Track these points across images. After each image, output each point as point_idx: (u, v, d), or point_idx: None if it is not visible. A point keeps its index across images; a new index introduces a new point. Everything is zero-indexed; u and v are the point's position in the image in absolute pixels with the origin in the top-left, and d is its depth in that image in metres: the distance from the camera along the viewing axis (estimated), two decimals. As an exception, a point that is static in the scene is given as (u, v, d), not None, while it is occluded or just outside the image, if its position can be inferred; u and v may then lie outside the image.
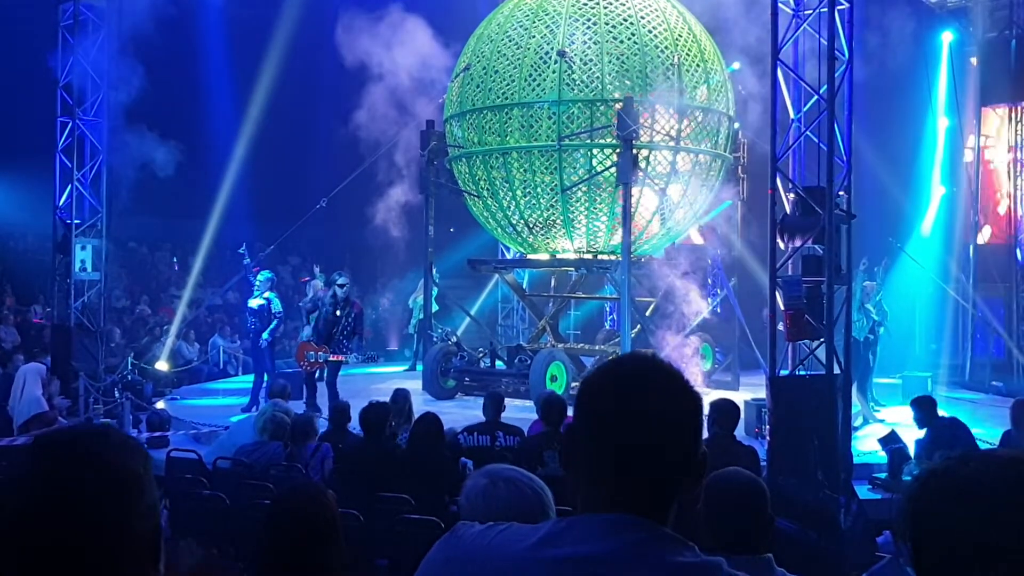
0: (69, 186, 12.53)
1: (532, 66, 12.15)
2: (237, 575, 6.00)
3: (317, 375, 11.66)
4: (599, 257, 12.82)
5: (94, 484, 1.25)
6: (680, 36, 12.32)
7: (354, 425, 7.69)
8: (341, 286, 11.37)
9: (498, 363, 13.03)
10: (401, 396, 8.20)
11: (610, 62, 12.04)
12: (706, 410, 6.15)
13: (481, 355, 13.35)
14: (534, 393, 10.01)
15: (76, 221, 12.52)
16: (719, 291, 14.24)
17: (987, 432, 9.70)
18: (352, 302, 11.57)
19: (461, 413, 9.98)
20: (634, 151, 11.64)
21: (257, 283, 12.21)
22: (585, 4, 12.25)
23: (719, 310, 14.01)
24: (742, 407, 7.42)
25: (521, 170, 12.48)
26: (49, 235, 12.91)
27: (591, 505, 1.46)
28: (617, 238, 12.24)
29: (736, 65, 13.59)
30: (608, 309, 17.18)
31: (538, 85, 12.11)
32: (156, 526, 1.30)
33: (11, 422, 10.79)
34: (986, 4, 15.89)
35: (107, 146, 12.69)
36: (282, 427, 7.21)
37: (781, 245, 8.44)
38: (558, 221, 12.58)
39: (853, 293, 9.04)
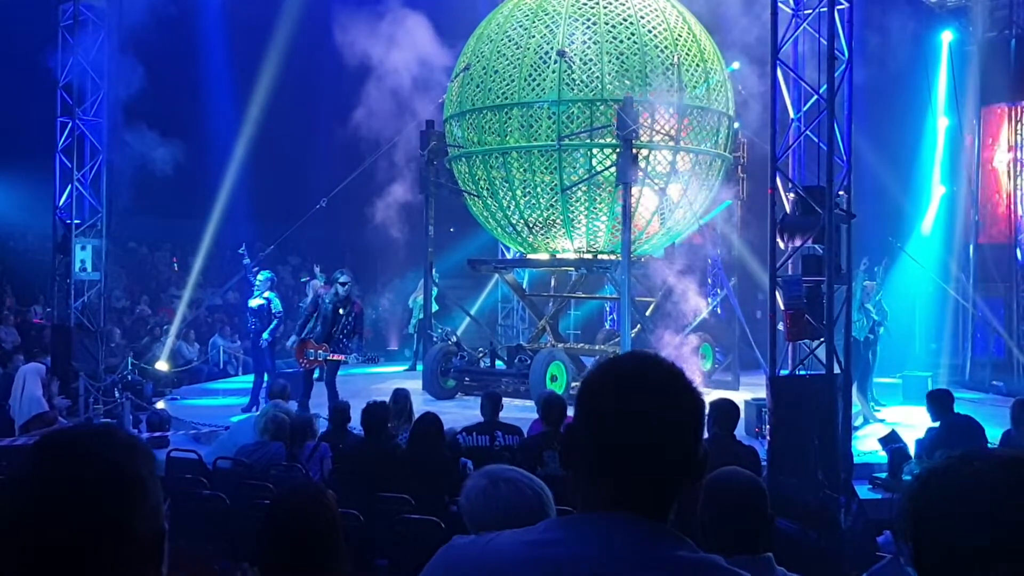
0: (69, 186, 12.51)
1: (532, 66, 12.16)
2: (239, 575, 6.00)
3: (316, 374, 11.66)
4: (599, 257, 12.82)
5: (96, 484, 1.24)
6: (680, 36, 12.32)
7: (354, 425, 7.70)
8: (343, 284, 11.35)
9: (498, 363, 13.03)
10: (401, 396, 8.20)
11: (610, 62, 12.04)
12: (706, 410, 6.14)
13: (481, 355, 13.34)
14: (534, 393, 10.02)
15: (76, 221, 12.49)
16: (719, 291, 14.24)
17: (987, 432, 9.67)
18: (353, 301, 11.56)
19: (461, 413, 9.97)
20: (634, 151, 11.65)
21: (257, 283, 12.22)
22: (585, 4, 12.25)
23: (719, 310, 14.01)
24: (742, 407, 7.43)
25: (521, 170, 12.49)
26: (49, 235, 12.89)
27: (591, 505, 1.45)
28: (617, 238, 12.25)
29: (736, 65, 13.61)
30: (608, 309, 17.17)
31: (538, 85, 12.11)
32: (159, 528, 1.30)
33: (12, 423, 10.78)
34: (986, 4, 15.87)
35: (107, 146, 12.68)
36: (283, 427, 7.23)
37: (781, 245, 8.44)
38: (558, 221, 12.58)
39: (853, 293, 9.04)
